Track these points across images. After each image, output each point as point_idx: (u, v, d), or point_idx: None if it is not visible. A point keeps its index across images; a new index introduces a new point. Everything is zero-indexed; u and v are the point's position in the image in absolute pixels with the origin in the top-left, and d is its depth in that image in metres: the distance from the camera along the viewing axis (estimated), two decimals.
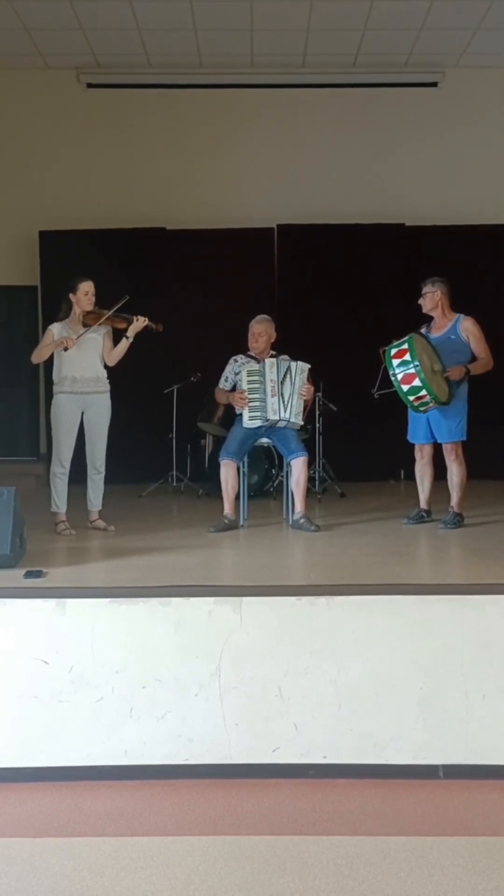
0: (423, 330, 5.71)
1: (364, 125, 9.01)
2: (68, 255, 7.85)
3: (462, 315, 5.66)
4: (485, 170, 8.91)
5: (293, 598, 3.82)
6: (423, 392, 5.25)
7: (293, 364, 5.66)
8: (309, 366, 5.70)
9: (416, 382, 5.22)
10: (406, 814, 3.41)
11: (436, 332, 5.66)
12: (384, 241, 8.54)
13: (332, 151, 8.99)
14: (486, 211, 8.65)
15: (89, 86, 8.96)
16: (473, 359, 5.59)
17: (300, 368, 5.65)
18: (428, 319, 5.76)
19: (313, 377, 5.80)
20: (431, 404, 5.34)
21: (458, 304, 5.78)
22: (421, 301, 5.68)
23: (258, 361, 5.71)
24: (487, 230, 8.51)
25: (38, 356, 5.58)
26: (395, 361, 5.29)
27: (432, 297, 5.64)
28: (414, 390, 5.27)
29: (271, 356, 5.74)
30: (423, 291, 5.67)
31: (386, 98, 9.01)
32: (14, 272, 8.93)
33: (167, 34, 8.16)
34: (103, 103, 8.99)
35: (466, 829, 3.29)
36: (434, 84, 8.96)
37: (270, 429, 5.70)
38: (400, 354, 5.28)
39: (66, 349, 5.41)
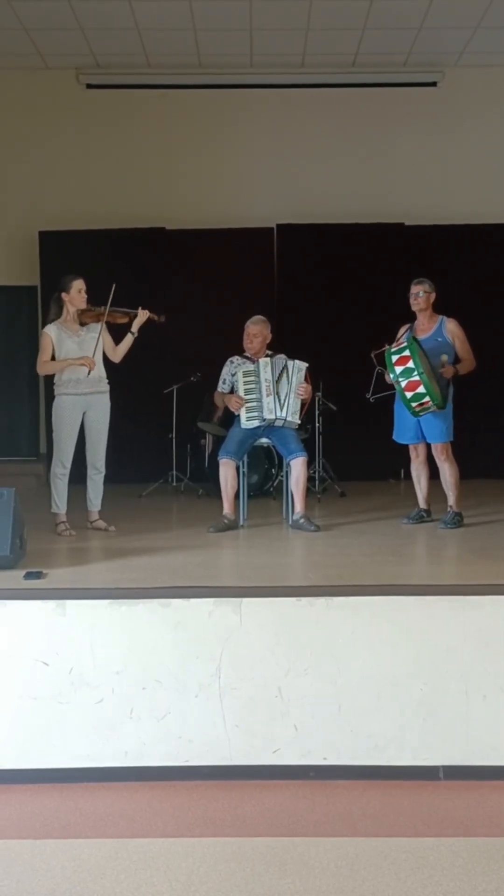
0: (408, 328, 5.72)
1: (363, 125, 9.00)
2: (68, 255, 7.83)
3: (445, 317, 5.69)
4: (484, 169, 8.90)
5: (293, 599, 3.82)
6: (427, 398, 5.28)
7: (290, 363, 5.66)
8: (307, 364, 5.69)
9: (421, 389, 5.26)
10: (406, 815, 3.41)
11: (421, 334, 5.67)
12: (383, 240, 8.53)
13: (332, 151, 8.98)
14: (485, 210, 8.64)
15: (89, 86, 8.95)
16: (458, 360, 5.63)
17: (297, 367, 5.65)
18: (413, 317, 5.76)
19: (313, 376, 5.79)
20: (433, 409, 5.38)
21: (457, 303, 5.78)
22: (414, 300, 5.67)
23: (253, 362, 5.72)
24: (487, 229, 8.50)
25: (47, 369, 5.52)
26: (398, 369, 5.30)
27: (427, 299, 5.66)
28: (418, 397, 5.30)
29: (267, 356, 5.74)
30: (418, 291, 5.66)
31: (385, 98, 9.00)
32: (14, 272, 8.93)
33: (166, 34, 8.16)
34: (103, 104, 8.98)
35: (467, 829, 3.30)
36: (433, 84, 8.95)
37: (269, 428, 5.70)
38: (402, 361, 5.28)
39: (90, 372, 5.39)
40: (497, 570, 4.32)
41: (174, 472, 7.65)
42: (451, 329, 5.65)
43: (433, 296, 5.68)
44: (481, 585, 3.94)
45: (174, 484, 7.62)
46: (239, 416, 5.67)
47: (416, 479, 5.86)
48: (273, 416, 5.58)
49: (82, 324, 5.52)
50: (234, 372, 5.74)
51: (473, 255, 8.32)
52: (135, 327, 5.55)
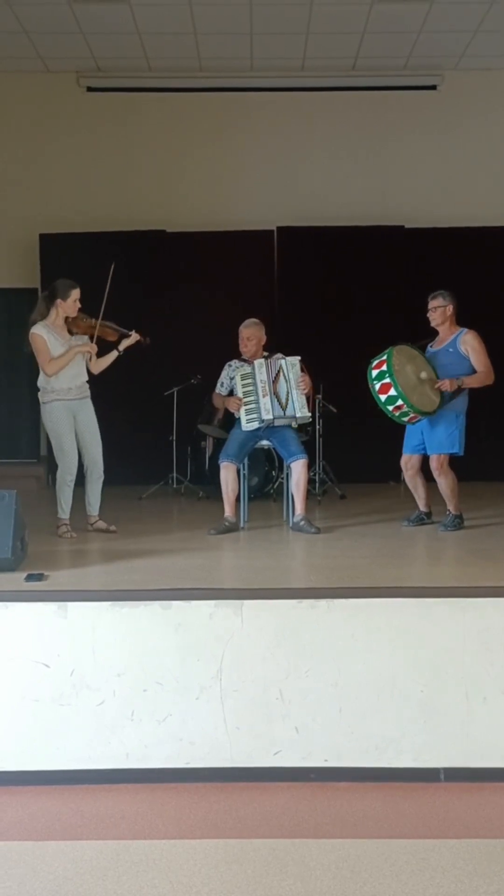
0: (429, 345, 5.70)
1: (363, 128, 9.03)
2: (69, 257, 7.86)
3: (465, 329, 5.59)
4: (484, 172, 8.93)
5: (294, 601, 3.83)
6: (400, 402, 5.27)
7: (283, 361, 5.66)
8: (298, 357, 5.68)
9: (392, 392, 5.25)
10: (407, 817, 3.41)
11: (437, 346, 5.64)
12: (383, 243, 8.56)
13: (332, 154, 9.01)
14: (485, 213, 8.66)
15: (89, 89, 8.99)
16: (474, 372, 5.54)
17: (290, 363, 5.65)
18: (433, 333, 5.72)
19: (314, 378, 5.80)
20: (412, 414, 5.35)
21: (457, 307, 5.76)
22: (430, 315, 5.62)
23: (250, 364, 5.73)
24: (487, 232, 8.53)
25: (57, 365, 5.35)
26: (374, 372, 5.35)
27: (443, 312, 5.57)
28: (391, 400, 5.30)
29: (263, 357, 5.75)
30: (433, 306, 5.59)
31: (385, 101, 9.02)
32: (14, 275, 8.95)
33: (167, 38, 8.18)
34: (103, 107, 9.01)
35: (468, 831, 3.30)
36: (433, 87, 8.98)
37: (270, 430, 5.71)
38: (379, 366, 5.34)
39: (91, 357, 5.44)
40: (497, 573, 4.32)
41: (174, 475, 7.66)
42: (467, 340, 5.51)
43: (450, 308, 5.57)
44: (481, 588, 3.94)
45: (174, 486, 7.63)
46: (239, 418, 5.69)
47: (413, 489, 5.84)
48: (271, 417, 5.59)
49: (70, 332, 5.51)
50: (232, 375, 5.76)
51: (473, 258, 8.33)
52: (122, 346, 5.56)
